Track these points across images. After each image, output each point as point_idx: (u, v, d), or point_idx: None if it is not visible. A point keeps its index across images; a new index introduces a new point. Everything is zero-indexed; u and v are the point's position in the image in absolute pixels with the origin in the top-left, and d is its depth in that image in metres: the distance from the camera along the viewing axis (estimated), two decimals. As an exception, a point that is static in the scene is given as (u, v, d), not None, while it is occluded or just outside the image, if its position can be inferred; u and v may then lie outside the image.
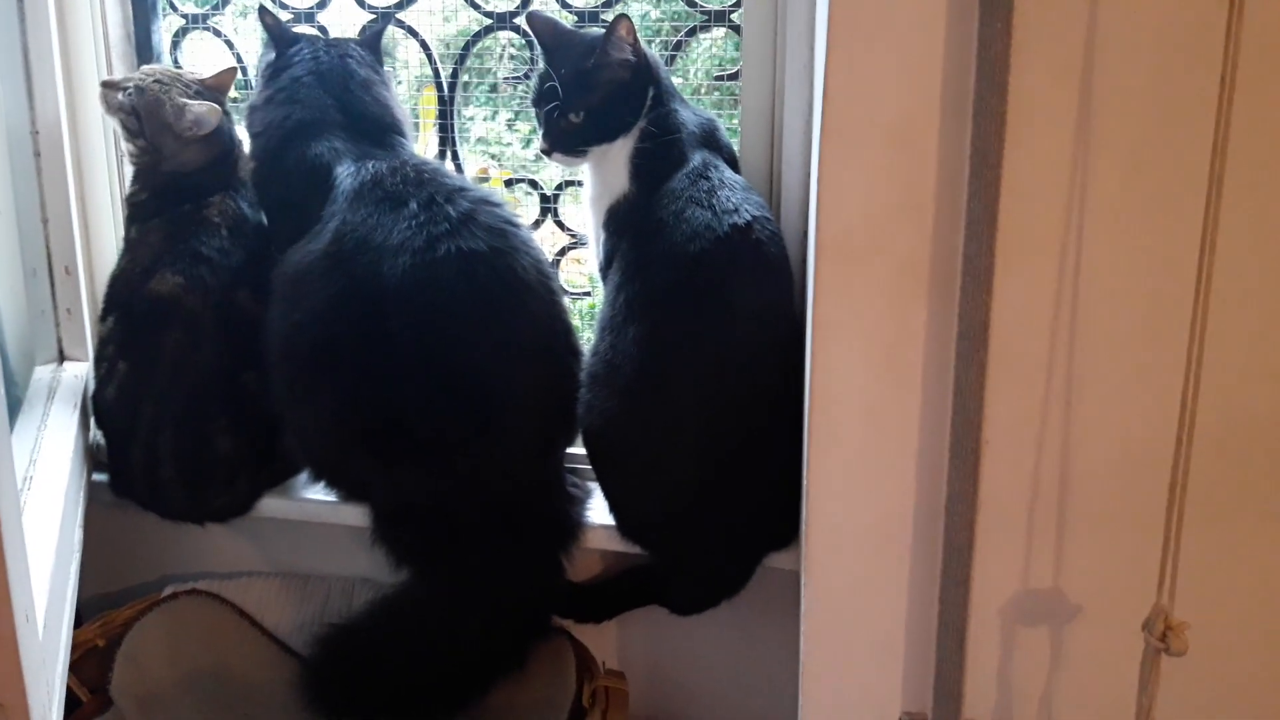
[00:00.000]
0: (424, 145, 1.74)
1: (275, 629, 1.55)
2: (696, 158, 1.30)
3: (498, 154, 1.85)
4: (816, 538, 1.02)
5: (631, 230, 1.29)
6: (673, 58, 1.54)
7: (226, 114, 1.49)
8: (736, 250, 1.22)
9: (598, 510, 1.40)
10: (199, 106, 1.41)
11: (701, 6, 1.50)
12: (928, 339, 0.95)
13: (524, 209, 1.72)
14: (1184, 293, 0.82)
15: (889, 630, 1.02)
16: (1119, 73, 0.87)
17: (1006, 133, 0.87)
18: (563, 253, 1.66)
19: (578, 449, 1.41)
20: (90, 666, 1.43)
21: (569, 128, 1.27)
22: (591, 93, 1.26)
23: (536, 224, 1.63)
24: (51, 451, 1.24)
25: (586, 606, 1.43)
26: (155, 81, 1.44)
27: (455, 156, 1.64)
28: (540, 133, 1.30)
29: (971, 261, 0.90)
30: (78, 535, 1.26)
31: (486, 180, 1.88)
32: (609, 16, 1.52)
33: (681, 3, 1.52)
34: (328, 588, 1.57)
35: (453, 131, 1.63)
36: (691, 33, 1.53)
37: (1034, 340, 0.92)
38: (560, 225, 1.65)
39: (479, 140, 1.87)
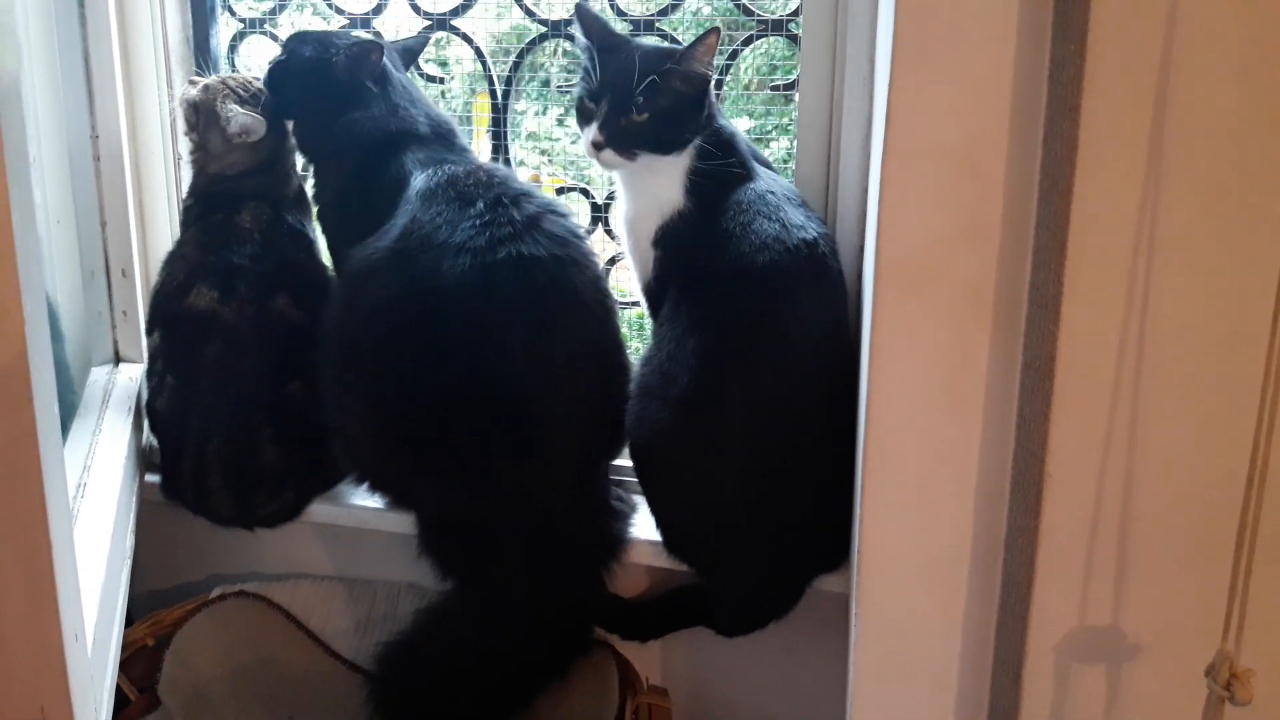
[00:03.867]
0: (477, 149, 1.74)
1: (321, 632, 1.56)
2: (761, 174, 1.29)
3: (547, 149, 1.84)
4: (870, 568, 1.00)
5: (690, 244, 1.27)
6: (726, 67, 1.53)
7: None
8: (803, 265, 1.21)
9: (643, 525, 1.39)
10: (245, 117, 1.41)
11: (759, 15, 1.48)
12: (990, 369, 0.92)
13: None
14: (1258, 326, 0.79)
15: (942, 663, 1.00)
16: (1195, 99, 0.84)
17: (1078, 158, 0.85)
18: (612, 261, 1.65)
19: (623, 460, 1.40)
20: (139, 665, 1.45)
21: (630, 126, 1.24)
22: (660, 97, 1.23)
23: (587, 232, 1.62)
24: (105, 458, 1.26)
25: (632, 624, 1.42)
26: (221, 82, 1.45)
27: (509, 163, 1.63)
28: (592, 125, 1.26)
29: (1039, 290, 0.87)
30: (129, 541, 1.27)
31: (537, 184, 1.88)
32: (664, 25, 1.51)
33: (736, 10, 1.50)
34: (374, 592, 1.58)
35: (505, 139, 1.62)
36: (747, 42, 1.51)
37: (1100, 371, 0.90)
38: (610, 234, 1.65)
39: (529, 135, 1.87)
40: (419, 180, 1.34)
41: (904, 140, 0.91)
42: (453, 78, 1.73)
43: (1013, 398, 0.91)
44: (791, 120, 1.60)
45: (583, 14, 1.30)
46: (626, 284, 1.76)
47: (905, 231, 0.93)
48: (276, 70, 1.44)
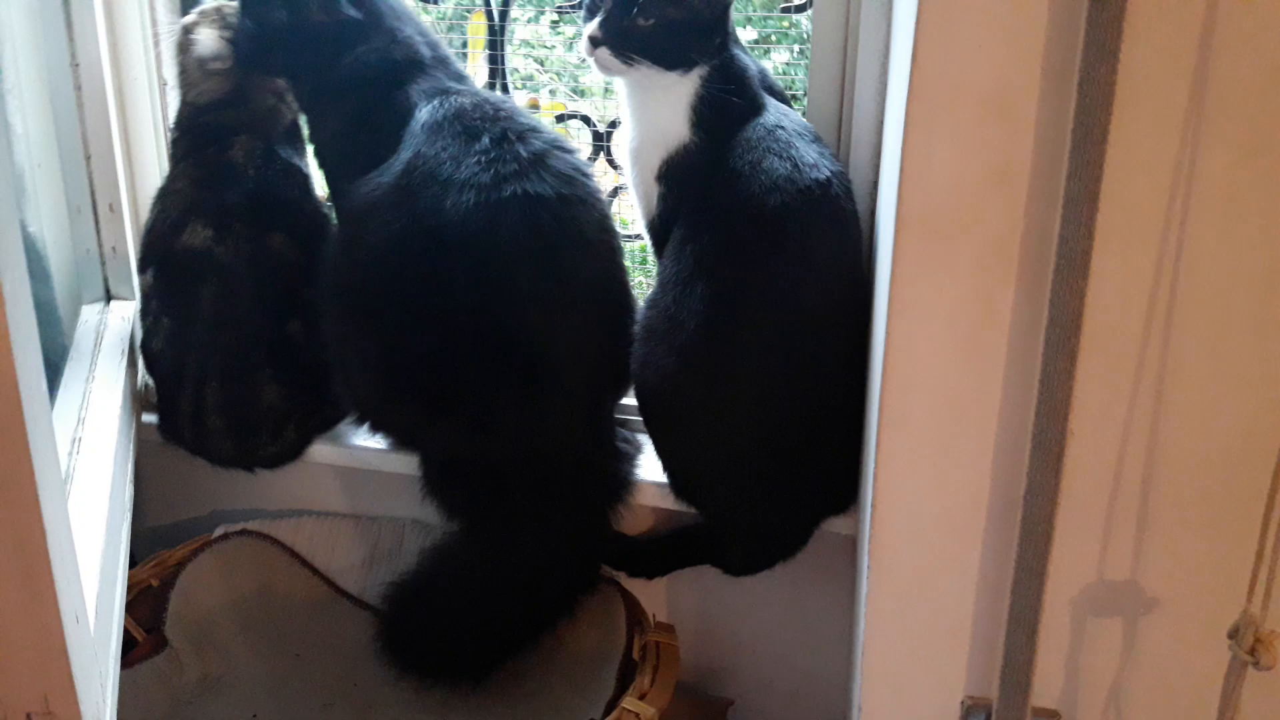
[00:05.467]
0: (473, 70, 1.67)
1: (326, 569, 1.56)
2: (771, 107, 1.24)
3: (541, 58, 1.78)
4: (884, 520, 0.98)
5: (696, 181, 1.23)
6: (736, -11, 1.45)
7: None
8: (816, 206, 1.17)
9: (649, 466, 1.38)
10: (212, 42, 1.34)
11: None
12: (1014, 323, 0.89)
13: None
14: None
15: (956, 615, 0.99)
16: (1239, 44, 0.79)
17: (1114, 104, 0.80)
18: (615, 192, 1.60)
19: (628, 400, 1.38)
20: (144, 606, 1.45)
21: (632, 28, 1.17)
22: (674, 5, 1.16)
23: (589, 160, 1.57)
24: (100, 408, 1.23)
25: (639, 562, 1.42)
26: (215, 9, 1.38)
27: (505, 89, 1.57)
28: (594, 21, 1.19)
29: (1068, 244, 0.84)
30: (128, 493, 1.25)
31: (536, 110, 1.82)
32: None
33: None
34: (378, 529, 1.58)
35: (503, 63, 1.56)
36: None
37: (1128, 327, 0.87)
38: (612, 164, 1.59)
39: (523, 42, 1.80)
40: (424, 112, 1.28)
41: (930, 82, 0.86)
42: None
43: (1036, 353, 0.88)
44: (793, 25, 1.54)
45: None
46: (629, 214, 1.71)
47: (929, 178, 0.89)
48: (244, 41, 1.35)
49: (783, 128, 1.23)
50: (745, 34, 1.46)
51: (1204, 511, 0.90)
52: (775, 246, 1.18)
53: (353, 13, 1.32)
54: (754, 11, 1.53)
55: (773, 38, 1.58)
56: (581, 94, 1.82)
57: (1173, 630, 0.94)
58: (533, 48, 1.76)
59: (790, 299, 1.18)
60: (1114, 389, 0.88)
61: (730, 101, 1.22)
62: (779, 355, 1.19)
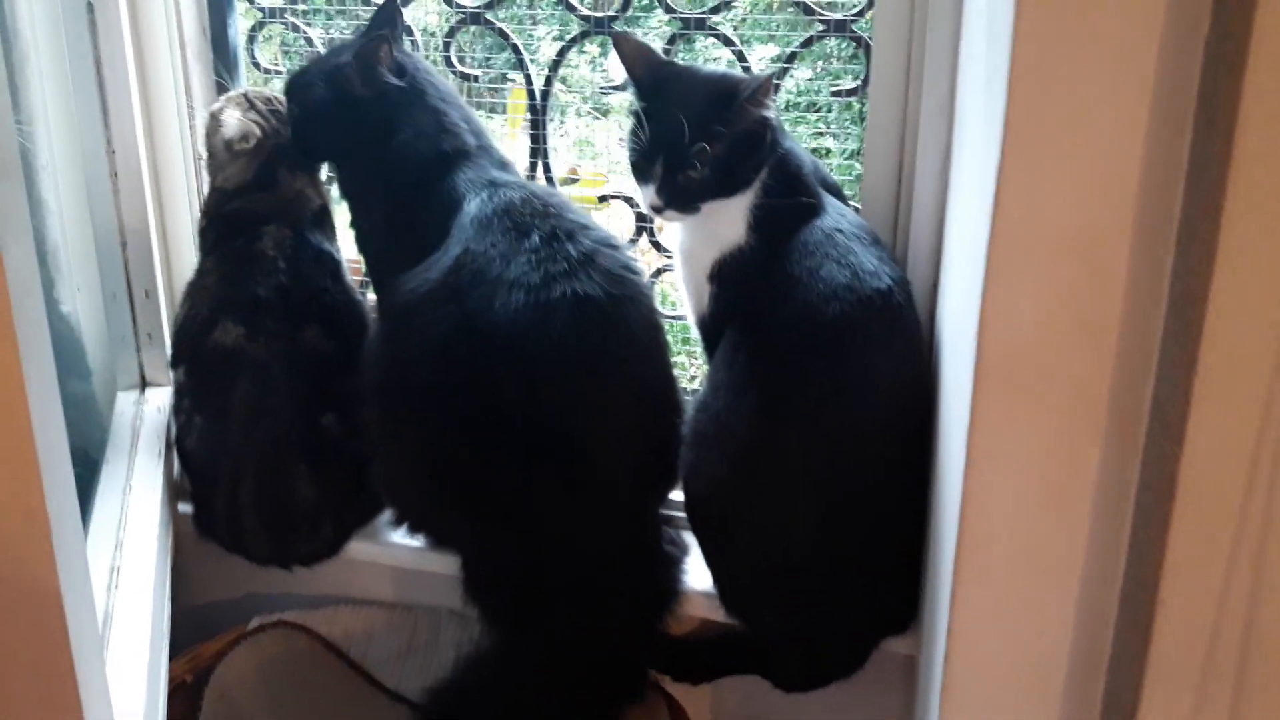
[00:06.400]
0: (513, 146, 1.64)
1: (362, 661, 1.52)
2: (829, 207, 1.19)
3: (564, 76, 1.72)
4: (958, 678, 0.93)
5: (751, 283, 1.18)
6: (784, 70, 1.41)
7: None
8: (876, 316, 1.12)
9: (697, 573, 1.33)
10: (239, 122, 1.32)
11: (819, 15, 1.36)
12: (1100, 483, 0.84)
13: (606, 219, 1.62)
14: None
15: (1031, 777, 0.93)
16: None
17: (1216, 265, 0.75)
18: (658, 274, 1.56)
19: (673, 495, 1.34)
20: (179, 703, 1.41)
21: (687, 183, 1.14)
22: (716, 143, 1.13)
23: (631, 242, 1.53)
24: (139, 513, 1.21)
25: (684, 666, 1.37)
26: (242, 94, 1.36)
27: (548, 170, 1.53)
28: (649, 186, 1.17)
29: (1162, 407, 0.78)
30: (167, 589, 1.22)
31: (575, 181, 1.78)
32: (715, 21, 1.39)
33: (795, 8, 1.38)
34: (414, 619, 1.54)
35: (544, 142, 1.52)
36: (807, 43, 1.39)
37: (1226, 493, 0.80)
38: (656, 246, 1.55)
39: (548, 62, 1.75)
40: (473, 205, 1.25)
41: (1014, 226, 0.81)
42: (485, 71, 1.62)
43: (1124, 513, 0.82)
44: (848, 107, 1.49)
45: (622, 46, 1.19)
46: (673, 294, 1.67)
47: (1011, 327, 0.83)
48: (299, 124, 1.34)
49: (841, 230, 1.18)
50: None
51: (1306, 688, 0.84)
52: (833, 358, 1.13)
53: (394, 80, 1.29)
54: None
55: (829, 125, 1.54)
56: (605, 114, 1.77)
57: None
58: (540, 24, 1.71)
59: (848, 412, 1.13)
60: (1210, 559, 0.82)
61: (788, 204, 1.18)
62: (836, 469, 1.14)
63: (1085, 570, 0.87)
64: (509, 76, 1.61)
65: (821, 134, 1.71)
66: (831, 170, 1.58)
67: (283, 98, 1.35)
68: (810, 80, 1.45)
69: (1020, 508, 0.87)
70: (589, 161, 1.71)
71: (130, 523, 1.16)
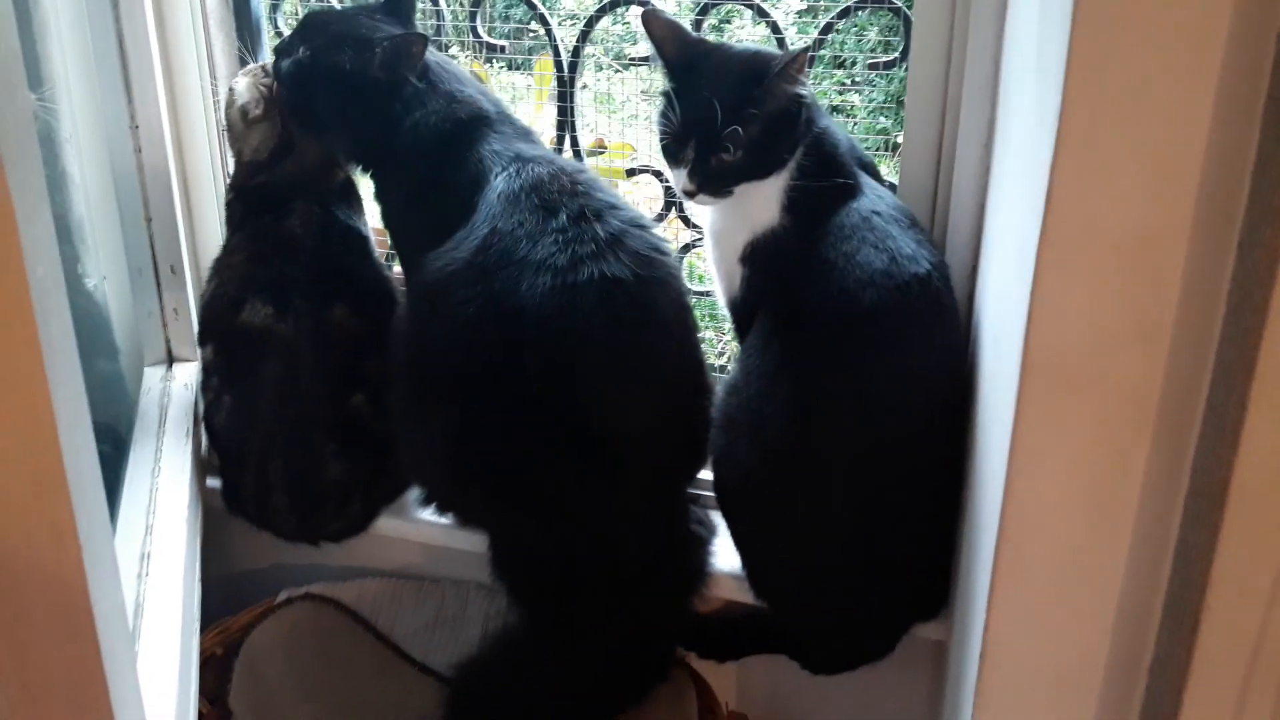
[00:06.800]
0: (539, 116, 1.61)
1: (390, 633, 1.53)
2: (866, 188, 1.16)
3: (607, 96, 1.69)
4: (993, 678, 0.92)
5: (784, 267, 1.16)
6: (819, 42, 1.37)
7: None
8: (914, 303, 1.10)
9: (724, 553, 1.32)
10: (240, 85, 1.29)
11: (857, -12, 1.32)
12: (1147, 485, 0.82)
13: (634, 196, 1.59)
14: None
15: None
16: None
17: None
18: (686, 249, 1.54)
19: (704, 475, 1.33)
20: (209, 676, 1.42)
21: (720, 166, 1.12)
22: (749, 125, 1.10)
23: (660, 218, 1.51)
24: (169, 495, 1.21)
25: (711, 644, 1.37)
26: (261, 67, 1.34)
27: (575, 142, 1.51)
28: (681, 170, 1.15)
29: (1217, 412, 0.76)
30: (197, 571, 1.22)
31: (603, 151, 1.75)
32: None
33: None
34: (442, 591, 1.55)
35: (572, 115, 1.49)
36: (844, 14, 1.35)
37: (1276, 499, 0.79)
38: (685, 221, 1.53)
39: (570, 17, 1.71)
40: (500, 180, 1.22)
41: (1065, 225, 0.78)
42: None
43: (1171, 517, 0.81)
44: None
45: (651, 25, 1.15)
46: (701, 266, 1.65)
47: (1060, 327, 0.81)
48: (296, 75, 1.27)
49: (878, 213, 1.15)
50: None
51: (1353, 696, 0.83)
52: (869, 346, 1.11)
53: (414, 81, 1.25)
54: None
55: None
56: (625, 67, 1.72)
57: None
58: (577, 20, 1.67)
59: (883, 402, 1.12)
60: (1259, 564, 0.80)
61: (824, 185, 1.15)
62: (870, 457, 1.13)
63: (1128, 574, 0.85)
64: (530, 35, 1.57)
65: (844, 89, 1.67)
66: (856, 127, 1.55)
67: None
68: (838, 34, 1.39)
69: (1063, 508, 0.85)
70: (608, 116, 1.66)
71: (159, 507, 1.16)
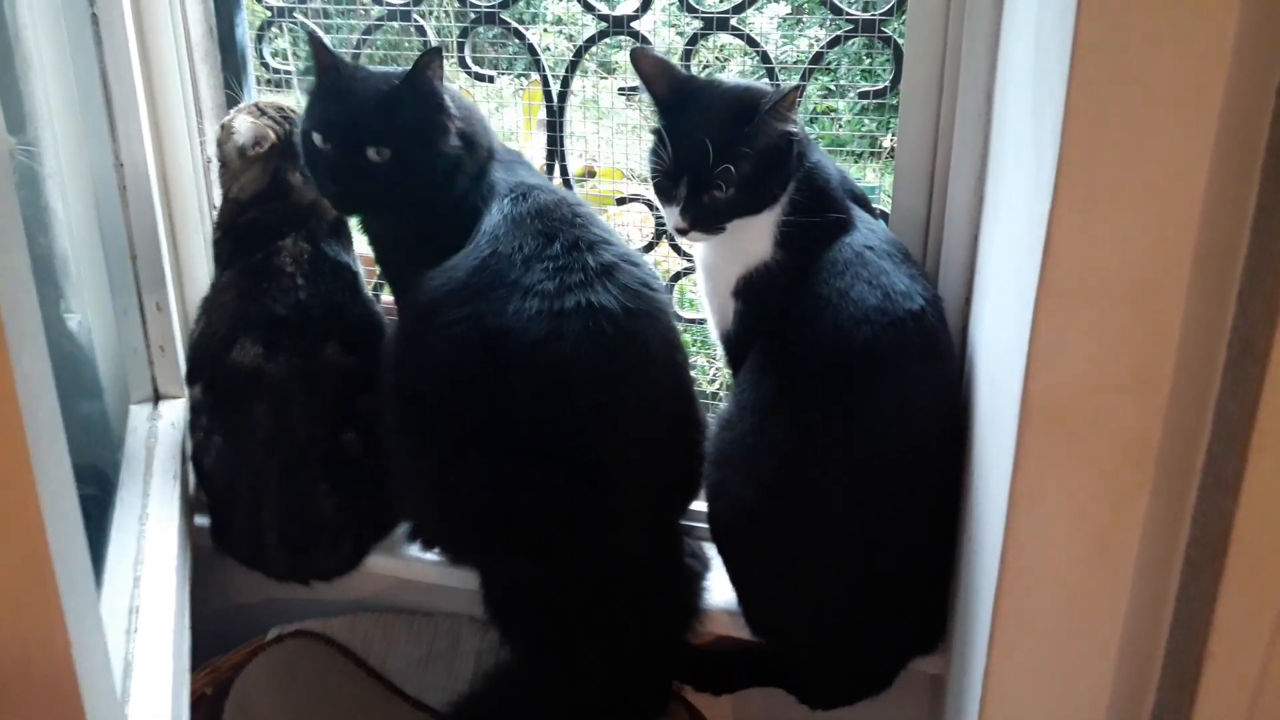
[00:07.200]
0: (528, 142, 1.60)
1: (382, 669, 1.52)
2: (859, 223, 1.16)
3: (572, 34, 1.67)
4: (994, 722, 0.92)
5: (778, 301, 1.15)
6: (809, 72, 1.37)
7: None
8: (909, 339, 1.09)
9: (720, 588, 1.31)
10: (254, 126, 1.28)
11: (847, 14, 1.31)
12: (1148, 533, 0.81)
13: (623, 225, 1.58)
14: None
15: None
16: None
17: None
18: (676, 278, 1.53)
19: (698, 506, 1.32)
20: (199, 716, 1.41)
21: (713, 203, 1.11)
22: (741, 162, 1.09)
23: (650, 246, 1.50)
24: (157, 540, 1.18)
25: (706, 676, 1.36)
26: (254, 104, 1.33)
27: (565, 171, 1.50)
28: (673, 208, 1.14)
29: (1217, 463, 0.76)
30: (187, 620, 1.21)
31: (591, 176, 1.74)
32: (736, 23, 1.35)
33: (820, 6, 1.34)
34: (434, 626, 1.53)
35: (562, 145, 1.48)
36: (833, 43, 1.35)
37: (1276, 549, 0.79)
38: (676, 249, 1.52)
39: (557, 19, 1.69)
40: (507, 204, 1.23)
41: (1063, 274, 0.78)
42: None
43: (1172, 567, 0.80)
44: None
45: (640, 63, 1.14)
46: (692, 292, 1.64)
47: (1059, 372, 0.80)
48: (370, 174, 1.21)
49: (871, 248, 1.15)
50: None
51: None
52: (864, 383, 1.10)
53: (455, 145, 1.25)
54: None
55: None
56: (611, 71, 1.71)
57: None
58: (564, 25, 1.66)
59: (878, 437, 1.11)
60: (1260, 613, 0.80)
61: (817, 220, 1.14)
62: (865, 494, 1.12)
63: (1129, 620, 0.85)
64: (519, 66, 1.55)
65: (829, 94, 1.67)
66: (841, 127, 1.54)
67: (294, 107, 1.31)
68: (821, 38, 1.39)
69: (1063, 553, 0.85)
70: (594, 123, 1.65)
71: (147, 557, 1.14)
